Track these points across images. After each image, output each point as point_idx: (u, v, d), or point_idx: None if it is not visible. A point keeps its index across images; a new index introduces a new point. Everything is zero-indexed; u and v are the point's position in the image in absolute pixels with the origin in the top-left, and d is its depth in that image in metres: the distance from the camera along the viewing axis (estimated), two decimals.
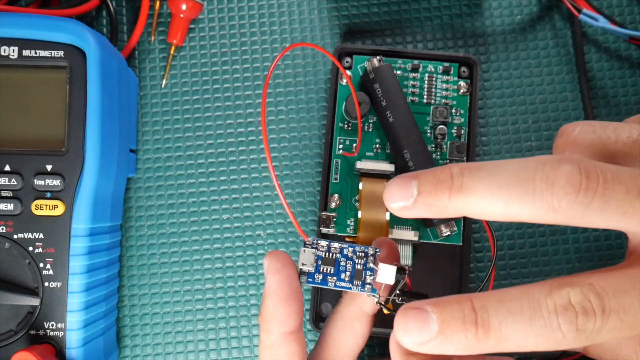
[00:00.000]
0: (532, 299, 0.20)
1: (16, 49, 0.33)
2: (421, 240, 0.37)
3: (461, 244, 0.37)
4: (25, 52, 0.33)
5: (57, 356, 0.32)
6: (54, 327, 0.32)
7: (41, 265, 0.32)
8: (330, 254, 0.25)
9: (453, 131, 0.38)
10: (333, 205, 0.37)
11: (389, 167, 0.36)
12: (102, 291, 0.35)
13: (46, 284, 0.32)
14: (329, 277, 0.25)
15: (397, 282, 0.25)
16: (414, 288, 0.36)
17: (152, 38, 0.41)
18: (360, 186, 0.36)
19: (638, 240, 0.22)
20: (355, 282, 0.25)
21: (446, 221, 0.36)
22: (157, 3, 0.40)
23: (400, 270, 0.25)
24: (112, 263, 0.37)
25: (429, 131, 0.38)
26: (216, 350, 0.38)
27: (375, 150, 0.38)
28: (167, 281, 0.39)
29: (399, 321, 0.21)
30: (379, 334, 0.36)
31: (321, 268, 0.25)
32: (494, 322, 0.20)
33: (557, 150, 0.24)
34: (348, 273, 0.25)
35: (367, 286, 0.25)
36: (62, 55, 0.33)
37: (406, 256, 0.36)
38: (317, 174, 0.40)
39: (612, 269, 0.21)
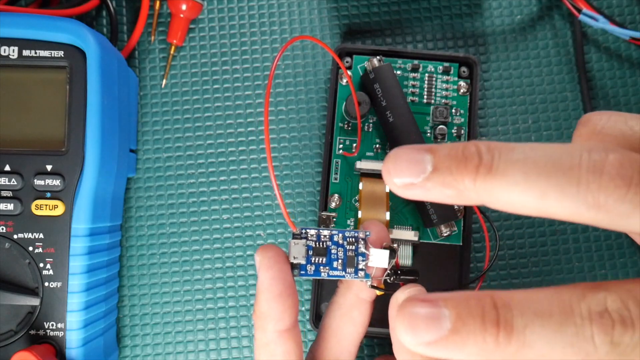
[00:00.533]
0: (563, 301, 0.17)
1: (16, 49, 0.33)
2: (421, 240, 0.37)
3: (461, 244, 0.37)
4: (25, 52, 0.33)
5: (57, 356, 0.32)
6: (54, 327, 0.32)
7: (41, 265, 0.32)
8: (321, 243, 0.24)
9: (453, 131, 0.38)
10: (333, 205, 0.37)
11: None
12: (102, 291, 0.35)
13: (46, 284, 0.32)
14: (321, 267, 0.24)
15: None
16: None
17: (152, 38, 0.41)
18: (360, 186, 0.36)
19: None
20: (348, 270, 0.24)
21: (447, 221, 0.36)
22: (157, 3, 0.40)
23: (391, 251, 0.24)
24: (112, 263, 0.37)
25: (429, 131, 0.38)
26: (216, 350, 0.38)
27: (375, 150, 0.38)
28: (167, 281, 0.39)
29: (403, 315, 0.18)
30: (380, 334, 0.36)
31: (312, 259, 0.24)
32: (519, 324, 0.17)
33: (580, 140, 0.20)
34: (340, 261, 0.24)
35: (360, 272, 0.24)
36: (62, 55, 0.33)
37: (406, 256, 0.36)
38: (317, 174, 0.40)
39: None
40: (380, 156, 0.38)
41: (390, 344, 0.38)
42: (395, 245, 0.25)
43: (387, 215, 0.35)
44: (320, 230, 0.24)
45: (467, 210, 0.37)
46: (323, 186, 0.37)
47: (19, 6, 0.40)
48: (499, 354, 0.17)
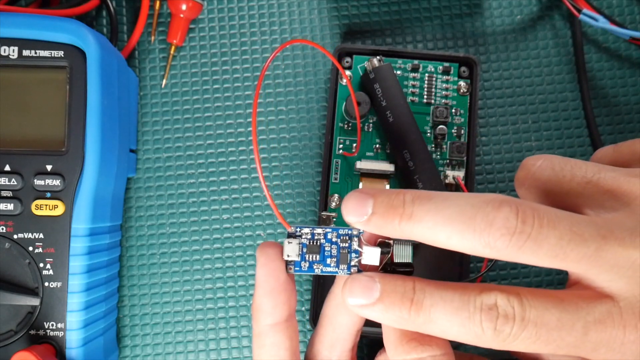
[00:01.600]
0: (464, 294, 0.22)
1: (16, 49, 0.33)
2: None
3: None
4: (25, 52, 0.33)
5: (57, 356, 0.32)
6: (54, 327, 0.32)
7: (41, 265, 0.32)
8: (315, 241, 0.25)
9: (453, 131, 0.38)
10: (333, 205, 0.37)
11: (389, 167, 0.36)
12: (102, 291, 0.35)
13: (46, 284, 0.32)
14: (315, 264, 0.25)
15: (383, 256, 0.25)
16: None
17: (152, 38, 0.41)
18: (360, 186, 0.36)
19: (574, 278, 0.24)
20: (341, 266, 0.25)
21: None
22: (157, 3, 0.40)
23: (385, 246, 0.25)
24: (112, 263, 0.37)
25: (429, 131, 0.38)
26: (216, 350, 0.38)
27: (375, 150, 0.38)
28: (167, 281, 0.39)
29: (348, 283, 0.24)
30: (376, 334, 0.36)
31: (307, 256, 0.25)
32: (427, 303, 0.23)
33: (517, 183, 0.26)
34: (334, 258, 0.25)
35: (353, 269, 0.25)
36: (62, 55, 0.33)
37: (406, 256, 0.36)
38: (317, 174, 0.40)
39: (548, 290, 0.23)
40: (380, 156, 0.38)
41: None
42: (390, 240, 0.25)
43: None
44: (315, 229, 0.25)
45: None
46: (323, 186, 0.37)
47: (19, 6, 0.40)
48: (411, 323, 0.23)
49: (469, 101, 0.38)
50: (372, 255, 0.25)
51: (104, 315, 0.35)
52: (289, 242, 0.25)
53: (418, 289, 0.23)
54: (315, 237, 0.25)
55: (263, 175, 0.25)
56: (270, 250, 0.25)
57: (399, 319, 0.23)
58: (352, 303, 0.23)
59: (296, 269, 0.25)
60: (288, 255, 0.25)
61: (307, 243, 0.25)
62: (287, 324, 0.26)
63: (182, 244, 0.39)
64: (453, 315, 0.22)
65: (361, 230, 0.25)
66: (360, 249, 0.25)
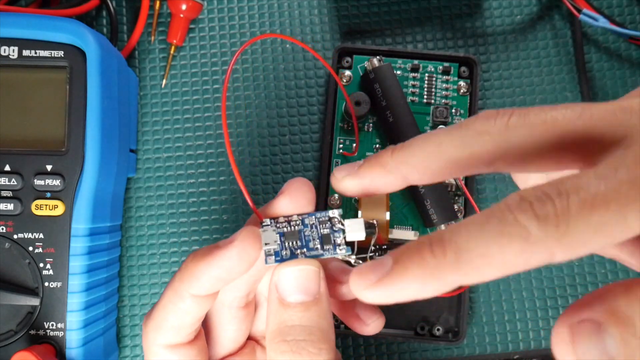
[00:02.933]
0: (482, 213, 0.18)
1: (16, 49, 0.33)
2: None
3: None
4: (25, 52, 0.33)
5: (57, 356, 0.32)
6: (54, 327, 0.32)
7: (41, 265, 0.32)
8: (292, 227, 0.23)
9: None
10: (333, 205, 0.37)
11: None
12: (102, 291, 0.35)
13: (46, 284, 0.32)
14: (297, 250, 0.23)
15: (370, 237, 0.24)
16: None
17: (152, 38, 0.41)
18: None
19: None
20: (326, 247, 0.23)
21: (447, 221, 0.36)
22: (157, 3, 0.40)
23: (369, 225, 0.24)
24: (112, 263, 0.37)
25: (429, 131, 0.38)
26: None
27: (375, 150, 0.38)
28: (167, 281, 0.39)
29: (354, 272, 0.19)
30: (379, 334, 0.36)
31: (286, 243, 0.23)
32: (447, 236, 0.18)
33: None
34: (317, 241, 0.23)
35: (340, 247, 0.23)
36: (62, 55, 0.33)
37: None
38: (317, 174, 0.40)
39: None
40: None
41: (388, 344, 0.38)
42: (373, 220, 0.24)
43: (387, 215, 0.35)
44: (290, 216, 0.24)
45: (467, 210, 0.37)
46: (323, 186, 0.37)
47: (19, 6, 0.40)
48: (442, 269, 0.18)
49: (469, 101, 0.38)
50: (356, 228, 0.23)
51: (104, 315, 0.35)
52: (264, 231, 0.23)
53: (435, 235, 0.18)
54: (292, 224, 0.23)
55: (236, 165, 0.24)
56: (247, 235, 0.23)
57: (425, 273, 0.18)
58: (365, 284, 0.19)
59: (277, 258, 0.23)
60: (266, 244, 0.23)
61: (285, 231, 0.23)
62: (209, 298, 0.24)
63: (182, 244, 0.39)
64: (482, 231, 0.17)
65: (340, 210, 0.24)
66: (342, 226, 0.23)
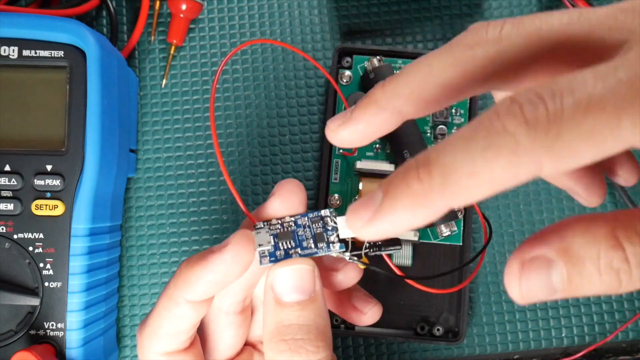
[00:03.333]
0: (474, 120, 0.17)
1: (16, 49, 0.33)
2: (421, 240, 0.37)
3: (461, 244, 0.37)
4: (25, 52, 0.33)
5: (57, 356, 0.32)
6: (54, 327, 0.32)
7: (41, 265, 0.32)
8: (285, 228, 0.24)
9: (453, 131, 0.38)
10: (333, 205, 0.37)
11: (389, 167, 0.36)
12: (102, 291, 0.35)
13: (46, 284, 0.32)
14: (291, 250, 0.23)
15: None
16: (412, 289, 0.36)
17: (152, 38, 0.41)
18: (360, 186, 0.36)
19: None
20: (320, 245, 0.23)
21: (447, 221, 0.36)
22: (157, 3, 0.40)
23: None
24: (112, 263, 0.37)
25: (429, 131, 0.38)
26: None
27: (375, 150, 0.38)
28: (167, 281, 0.39)
29: (349, 210, 0.19)
30: (380, 334, 0.36)
31: (280, 244, 0.23)
32: (433, 156, 0.17)
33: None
34: (310, 240, 0.23)
35: (333, 245, 0.23)
36: (62, 55, 0.33)
37: (406, 256, 0.36)
38: (317, 174, 0.40)
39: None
40: (380, 156, 0.38)
41: (388, 344, 0.38)
42: None
43: None
44: (283, 218, 0.24)
45: (467, 210, 0.37)
46: (323, 186, 0.37)
47: (19, 6, 0.40)
48: (429, 193, 0.17)
49: (469, 101, 0.38)
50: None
51: (104, 315, 0.35)
52: (257, 232, 0.23)
53: (420, 157, 0.17)
54: (285, 226, 0.24)
55: (225, 168, 0.23)
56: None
57: (414, 202, 0.17)
58: (360, 222, 0.18)
59: (271, 259, 0.23)
60: (260, 245, 0.23)
61: (278, 232, 0.23)
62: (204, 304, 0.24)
63: (182, 244, 0.39)
64: (469, 147, 0.16)
65: (331, 209, 0.24)
66: (334, 224, 0.23)
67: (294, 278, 0.22)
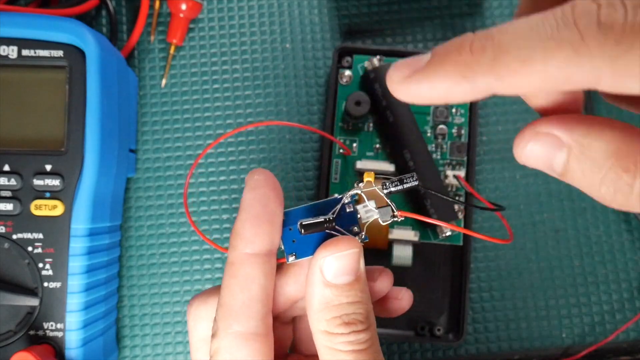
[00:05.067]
0: (548, 10, 0.15)
1: (15, 48, 0.33)
2: (421, 240, 0.36)
3: (461, 244, 0.37)
4: (25, 52, 0.33)
5: (57, 356, 0.32)
6: (54, 328, 0.32)
7: (40, 265, 0.32)
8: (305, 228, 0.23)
9: (453, 131, 0.38)
10: None
11: (389, 167, 0.36)
12: (102, 291, 0.35)
13: (45, 284, 0.32)
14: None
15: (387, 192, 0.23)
16: (413, 289, 0.36)
17: (152, 38, 0.40)
18: (360, 186, 0.35)
19: None
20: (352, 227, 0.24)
21: (447, 221, 0.36)
22: (157, 3, 0.40)
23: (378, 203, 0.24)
24: (111, 263, 0.37)
25: (429, 131, 0.38)
26: None
27: (375, 150, 0.38)
28: (167, 281, 0.39)
29: (392, 65, 0.18)
30: (380, 335, 0.36)
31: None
32: (494, 32, 0.16)
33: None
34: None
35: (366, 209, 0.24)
36: (62, 55, 0.33)
37: (406, 256, 0.36)
38: (317, 174, 0.40)
39: None
40: (380, 156, 0.38)
41: (388, 344, 0.38)
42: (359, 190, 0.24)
43: None
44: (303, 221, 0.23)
45: (467, 210, 0.37)
46: (323, 186, 0.37)
47: (19, 6, 0.40)
48: (476, 66, 0.16)
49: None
50: (381, 212, 0.24)
51: (103, 315, 0.35)
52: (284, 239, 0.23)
53: (479, 33, 0.16)
54: (303, 230, 0.23)
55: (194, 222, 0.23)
56: (262, 177, 0.23)
57: (461, 67, 0.16)
58: (400, 75, 0.18)
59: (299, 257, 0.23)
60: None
61: (300, 231, 0.23)
62: (266, 258, 0.23)
63: (182, 244, 0.39)
64: (531, 32, 0.15)
65: (344, 196, 0.24)
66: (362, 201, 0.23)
67: (344, 262, 0.23)
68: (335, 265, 0.23)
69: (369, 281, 0.25)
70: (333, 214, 0.23)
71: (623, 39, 0.14)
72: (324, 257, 0.23)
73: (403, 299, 0.27)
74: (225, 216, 0.39)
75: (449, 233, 0.36)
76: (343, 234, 0.23)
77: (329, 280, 0.22)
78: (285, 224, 0.24)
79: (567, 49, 0.14)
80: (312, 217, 0.23)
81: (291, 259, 0.24)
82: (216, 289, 0.25)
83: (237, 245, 0.23)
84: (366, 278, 0.24)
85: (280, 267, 0.25)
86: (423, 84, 0.17)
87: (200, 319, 0.25)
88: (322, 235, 0.23)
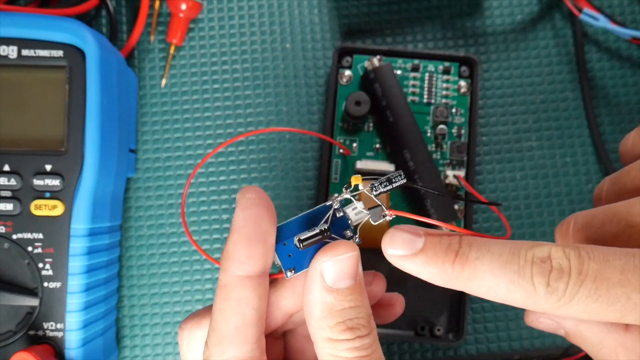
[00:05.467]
0: (515, 248, 0.20)
1: (15, 48, 0.33)
2: None
3: None
4: (25, 52, 0.33)
5: (57, 357, 0.32)
6: (53, 328, 0.32)
7: (40, 265, 0.32)
8: (302, 243, 0.23)
9: (453, 131, 0.38)
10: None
11: (389, 167, 0.36)
12: (102, 291, 0.35)
13: (45, 284, 0.32)
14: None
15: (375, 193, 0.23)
16: (413, 289, 0.36)
17: (152, 38, 0.40)
18: (360, 187, 0.35)
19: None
20: (345, 232, 0.24)
21: (447, 221, 0.36)
22: (157, 2, 0.40)
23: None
24: (111, 263, 0.37)
25: (429, 131, 0.38)
26: None
27: (375, 150, 0.38)
28: (167, 281, 0.39)
29: (388, 233, 0.22)
30: (381, 335, 0.36)
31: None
32: (472, 256, 0.21)
33: (560, 237, 0.25)
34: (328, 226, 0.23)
35: (353, 236, 0.24)
36: (62, 55, 0.33)
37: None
38: (317, 174, 0.40)
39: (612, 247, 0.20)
40: (380, 156, 0.38)
41: (388, 344, 0.38)
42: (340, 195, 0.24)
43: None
44: (302, 235, 0.23)
45: (467, 210, 0.37)
46: (323, 186, 0.37)
47: (19, 6, 0.40)
48: (454, 279, 0.21)
49: (469, 101, 0.38)
50: (355, 214, 0.24)
51: (103, 315, 0.35)
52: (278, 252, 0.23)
53: (465, 243, 0.21)
54: (302, 244, 0.23)
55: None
56: (254, 195, 0.23)
57: (441, 273, 0.21)
58: (392, 253, 0.22)
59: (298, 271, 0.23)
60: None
61: (298, 246, 0.23)
62: (260, 280, 0.23)
63: (182, 244, 0.39)
64: (501, 270, 0.20)
65: (333, 202, 0.23)
66: (350, 203, 0.23)
67: (343, 266, 0.23)
68: (335, 269, 0.22)
69: (366, 286, 0.25)
70: (326, 222, 0.23)
71: (562, 299, 0.19)
72: (323, 262, 0.22)
73: (396, 305, 0.27)
74: (225, 216, 0.39)
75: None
76: (337, 239, 0.23)
77: (330, 285, 0.22)
78: (278, 239, 0.23)
79: (523, 295, 0.20)
80: (305, 228, 0.23)
81: (290, 274, 0.23)
82: (208, 310, 0.25)
83: (229, 267, 0.23)
84: (364, 284, 0.23)
85: (274, 282, 0.24)
86: (411, 268, 0.22)
87: (193, 342, 0.25)
88: (317, 245, 0.23)
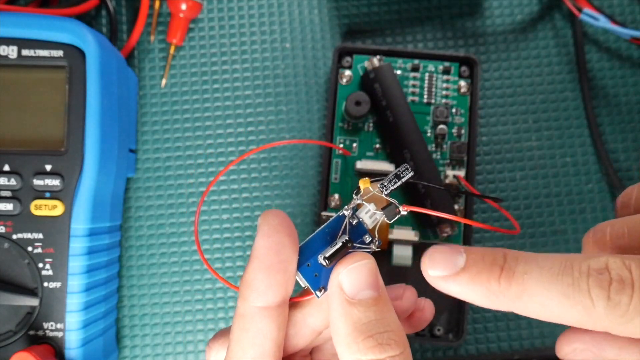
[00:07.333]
0: (566, 260, 0.19)
1: (15, 48, 0.33)
2: (421, 240, 0.36)
3: (461, 244, 0.37)
4: (25, 52, 0.33)
5: (57, 357, 0.32)
6: (53, 328, 0.32)
7: (40, 265, 0.32)
8: (327, 260, 0.23)
9: (453, 131, 0.38)
10: (333, 205, 0.37)
11: (389, 167, 0.36)
12: (102, 291, 0.35)
13: (45, 284, 0.32)
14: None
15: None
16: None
17: (152, 38, 0.40)
18: (361, 187, 0.35)
19: None
20: (365, 238, 0.23)
21: (447, 221, 0.36)
22: (157, 2, 0.40)
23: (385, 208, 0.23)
24: (111, 263, 0.37)
25: (429, 131, 0.38)
26: None
27: (375, 150, 0.38)
28: (167, 281, 0.39)
29: (427, 254, 0.21)
30: None
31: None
32: (520, 269, 0.19)
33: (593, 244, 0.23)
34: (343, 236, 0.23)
35: (368, 241, 0.23)
36: (62, 55, 0.33)
37: (406, 257, 0.36)
38: (317, 174, 0.40)
39: None
40: (380, 156, 0.38)
41: None
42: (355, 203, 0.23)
43: None
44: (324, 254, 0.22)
45: (467, 210, 0.37)
46: (323, 186, 0.37)
47: (18, 5, 0.40)
48: (501, 296, 0.19)
49: (469, 101, 0.38)
50: (368, 215, 0.23)
51: (103, 315, 0.35)
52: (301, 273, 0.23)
53: (510, 257, 0.19)
54: (328, 262, 0.22)
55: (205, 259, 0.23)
56: (277, 221, 0.22)
57: (486, 292, 0.19)
58: (433, 274, 0.20)
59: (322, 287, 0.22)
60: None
61: (324, 264, 0.22)
62: (279, 310, 0.22)
63: (182, 244, 0.39)
64: (553, 284, 0.18)
65: (348, 211, 0.23)
66: (361, 209, 0.23)
67: (363, 274, 0.21)
68: (351, 278, 0.21)
69: (397, 300, 0.25)
70: (344, 232, 0.23)
71: (627, 314, 0.17)
72: (339, 273, 0.22)
73: (425, 310, 0.26)
74: (225, 216, 0.39)
75: (448, 233, 0.36)
76: (360, 248, 0.22)
77: (351, 297, 0.21)
78: (301, 261, 0.22)
79: (579, 310, 0.18)
80: (324, 244, 0.22)
81: (320, 293, 0.22)
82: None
83: (249, 297, 0.22)
84: (389, 297, 0.22)
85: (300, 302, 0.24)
86: (453, 289, 0.20)
87: None
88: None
